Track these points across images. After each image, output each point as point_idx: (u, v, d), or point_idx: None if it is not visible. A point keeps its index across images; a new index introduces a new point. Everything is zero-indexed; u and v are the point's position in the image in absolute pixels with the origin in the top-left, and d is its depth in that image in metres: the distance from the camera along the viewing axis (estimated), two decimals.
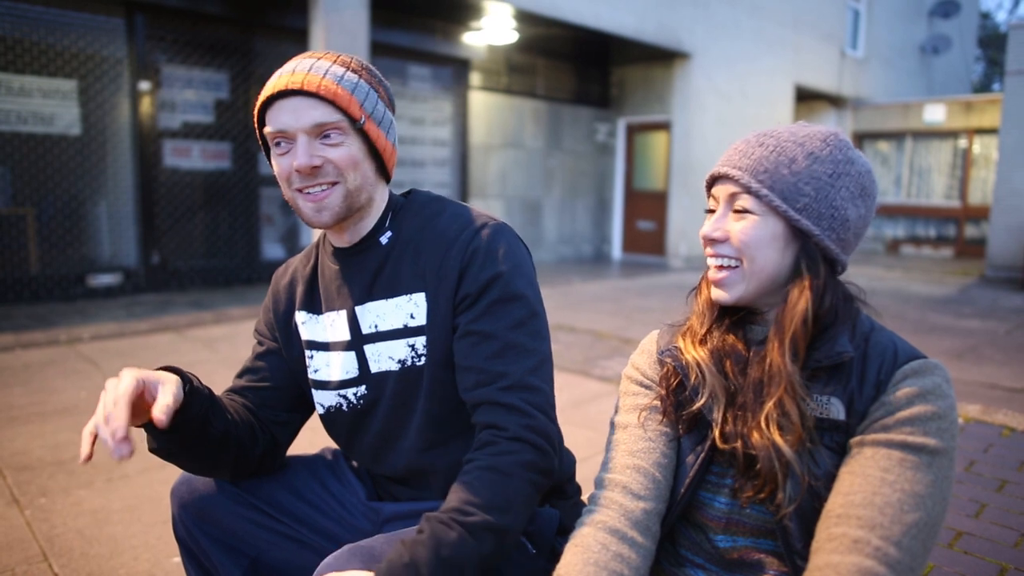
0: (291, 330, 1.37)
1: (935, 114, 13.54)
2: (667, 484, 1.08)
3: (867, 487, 0.90)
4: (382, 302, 1.25)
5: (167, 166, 6.65)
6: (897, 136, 14.23)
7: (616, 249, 11.79)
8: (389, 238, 1.27)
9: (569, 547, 1.02)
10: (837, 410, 0.97)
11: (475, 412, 1.14)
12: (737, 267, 1.04)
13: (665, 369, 1.12)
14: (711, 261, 1.08)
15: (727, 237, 1.04)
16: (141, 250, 6.59)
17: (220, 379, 4.01)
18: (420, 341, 1.22)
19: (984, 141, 13.15)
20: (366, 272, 1.27)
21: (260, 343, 1.41)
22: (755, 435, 0.98)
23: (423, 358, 1.21)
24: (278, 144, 1.19)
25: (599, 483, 1.10)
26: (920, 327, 6.24)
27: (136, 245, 6.60)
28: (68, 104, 6.14)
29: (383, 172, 1.28)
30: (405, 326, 1.23)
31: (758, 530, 1.04)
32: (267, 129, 1.19)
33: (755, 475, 1.00)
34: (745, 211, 1.03)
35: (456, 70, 9.05)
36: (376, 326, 1.25)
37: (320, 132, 1.17)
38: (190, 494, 1.30)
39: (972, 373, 4.58)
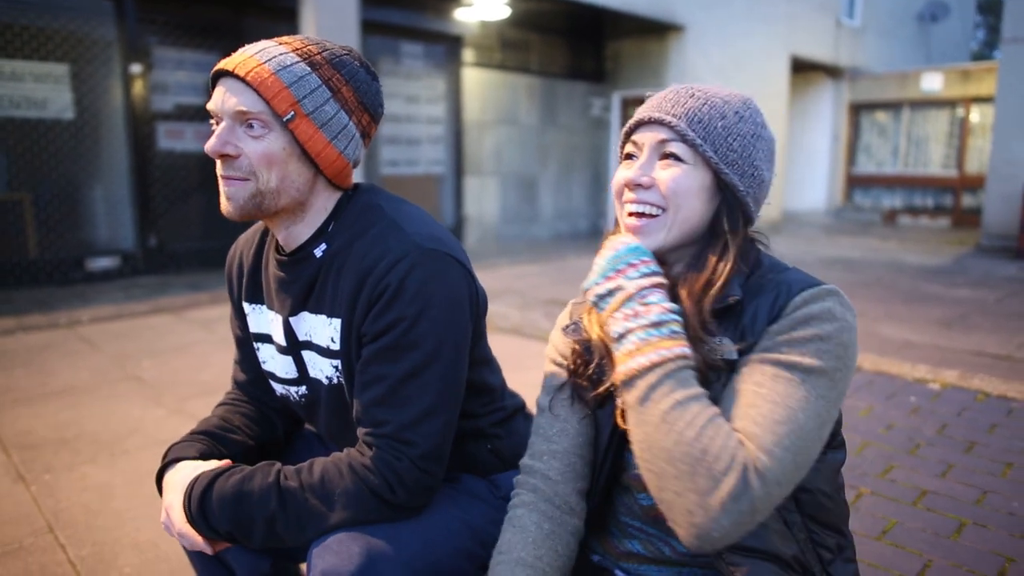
0: (243, 317, 1.40)
1: (932, 83, 13.47)
2: (587, 460, 1.11)
3: (742, 401, 0.91)
4: (313, 316, 1.23)
5: (161, 148, 6.68)
6: (894, 106, 14.16)
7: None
8: (323, 251, 1.20)
9: (506, 527, 1.08)
10: (730, 349, 0.96)
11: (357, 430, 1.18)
12: (659, 215, 1.02)
13: (572, 349, 1.12)
14: (631, 207, 1.04)
15: (653, 183, 1.02)
16: (138, 233, 6.64)
17: (217, 360, 4.11)
18: (339, 364, 1.21)
19: (982, 110, 13.08)
20: (300, 284, 1.22)
21: (237, 329, 1.44)
22: None
23: (342, 380, 1.22)
24: (214, 123, 1.16)
25: (522, 468, 1.13)
26: (911, 296, 6.30)
27: (133, 228, 6.65)
28: (61, 88, 6.16)
29: (326, 177, 1.19)
30: (328, 347, 1.21)
31: None
32: (208, 105, 1.17)
33: None
34: (675, 158, 1.01)
35: (449, 47, 9.02)
36: (310, 336, 1.24)
37: (243, 119, 1.11)
38: None
39: (960, 341, 4.66)
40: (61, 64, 6.14)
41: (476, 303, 1.23)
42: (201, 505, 1.14)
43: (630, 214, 1.04)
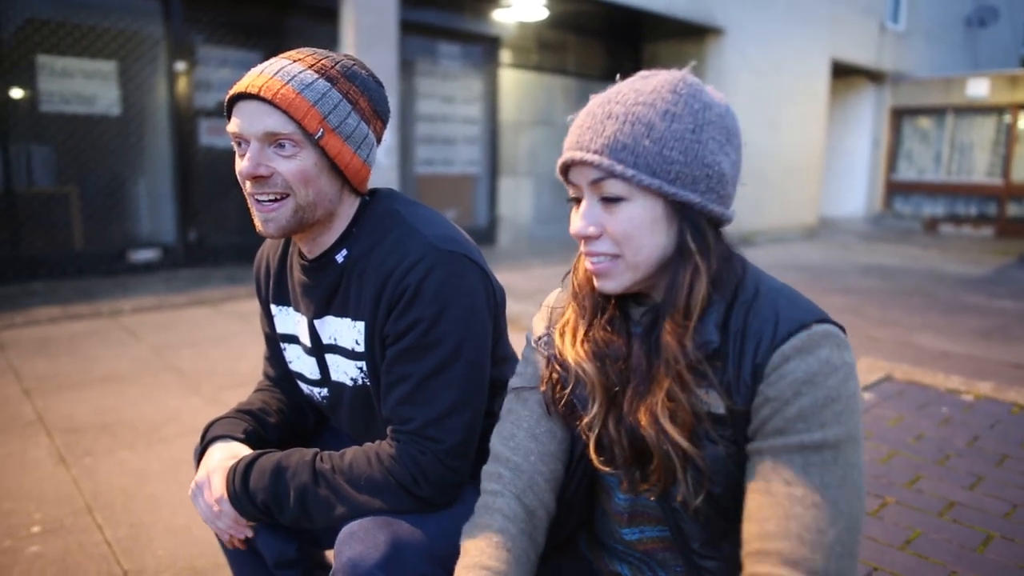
0: (271, 317, 1.45)
1: (978, 89, 13.16)
2: (559, 457, 1.06)
3: (778, 510, 0.83)
4: (337, 319, 1.27)
5: (203, 145, 6.83)
6: (938, 112, 13.86)
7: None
8: (344, 257, 1.24)
9: (470, 528, 1.02)
10: (716, 403, 0.90)
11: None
12: (617, 260, 0.93)
13: (548, 367, 1.05)
14: (589, 259, 0.95)
15: (602, 231, 0.92)
16: (179, 227, 6.81)
17: (253, 352, 4.20)
18: (364, 365, 1.25)
19: None
20: (324, 289, 1.26)
21: (267, 327, 1.48)
22: (644, 423, 0.91)
23: (367, 380, 1.26)
24: (238, 144, 1.17)
25: (493, 457, 1.08)
26: (950, 306, 6.18)
27: (174, 222, 6.82)
28: (108, 85, 6.34)
29: (352, 186, 1.23)
30: (352, 349, 1.25)
31: (660, 516, 1.01)
32: (228, 127, 1.18)
33: (648, 473, 0.95)
34: (615, 198, 0.90)
35: (486, 48, 9.07)
36: (335, 339, 1.28)
37: (273, 141, 1.14)
38: None
39: (998, 352, 4.56)
40: (109, 61, 6.31)
41: (494, 301, 1.26)
42: (245, 473, 1.20)
43: (590, 260, 0.95)
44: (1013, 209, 12.89)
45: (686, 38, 10.49)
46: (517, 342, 1.46)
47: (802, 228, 12.19)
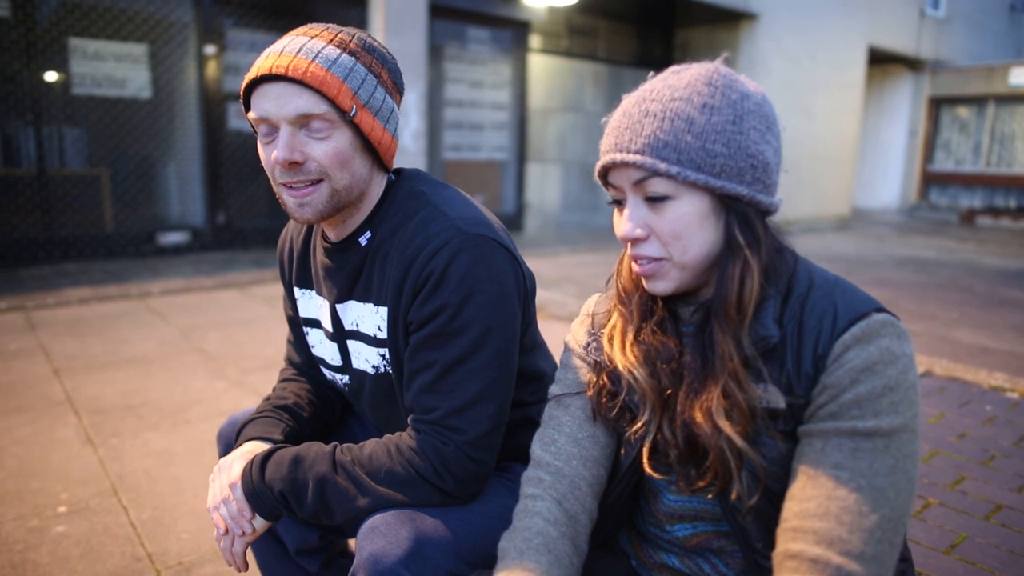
0: (294, 300, 1.41)
1: (1022, 77, 12.78)
2: (603, 463, 1.03)
3: (821, 491, 0.81)
4: (360, 304, 1.22)
5: (231, 128, 6.84)
6: (978, 101, 13.50)
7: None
8: (368, 239, 1.20)
9: (511, 533, 0.97)
10: (776, 398, 0.87)
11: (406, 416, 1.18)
12: (666, 260, 0.91)
13: (596, 373, 1.02)
14: (636, 262, 0.93)
15: (650, 233, 0.90)
16: (207, 210, 6.84)
17: (279, 335, 4.20)
18: (387, 352, 1.21)
19: None
20: (347, 272, 1.23)
21: (290, 310, 1.45)
22: (699, 420, 0.88)
23: (390, 368, 1.21)
24: (264, 131, 1.11)
25: (534, 463, 1.03)
26: (989, 300, 6.00)
27: (203, 205, 6.85)
28: (139, 68, 6.37)
29: (381, 163, 1.19)
30: (375, 336, 1.21)
31: (716, 514, 0.98)
32: (250, 114, 1.11)
33: (704, 471, 0.92)
34: (661, 197, 0.88)
35: (515, 32, 8.98)
36: (357, 325, 1.24)
37: (305, 122, 1.08)
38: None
39: None
40: (140, 45, 6.33)
41: (524, 287, 1.20)
42: (262, 465, 1.16)
43: (637, 262, 0.93)
44: None
45: (718, 23, 10.30)
46: (543, 331, 1.40)
47: (835, 219, 11.96)
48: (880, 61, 13.18)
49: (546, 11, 9.07)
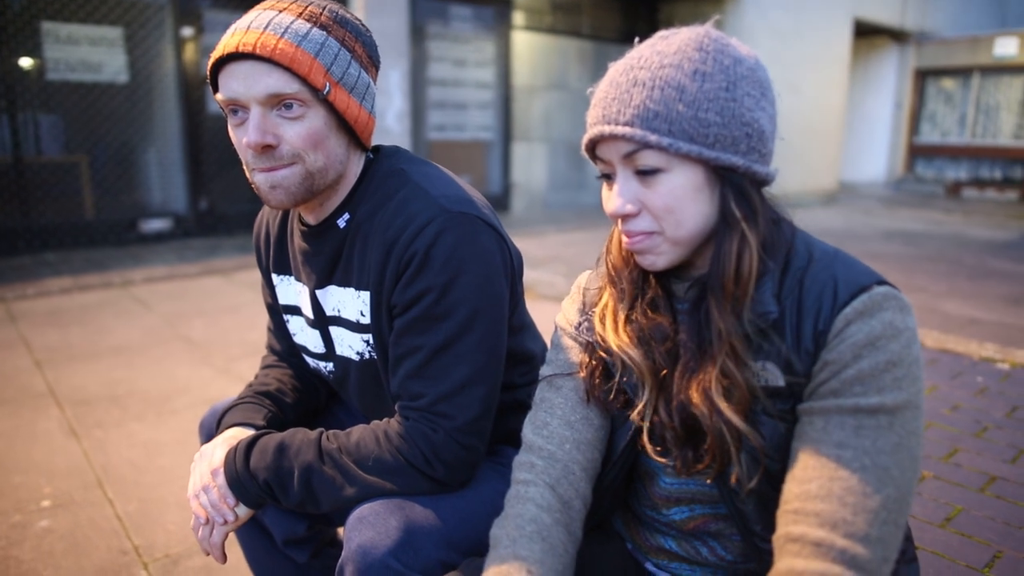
0: (272, 287, 1.36)
1: (1007, 47, 12.77)
2: (596, 446, 0.99)
3: (823, 471, 0.78)
4: (340, 289, 1.18)
5: (212, 112, 6.72)
6: (963, 72, 13.48)
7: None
8: (346, 221, 1.15)
9: (503, 520, 0.94)
10: (774, 376, 0.84)
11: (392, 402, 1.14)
12: (659, 235, 0.87)
13: (589, 354, 0.99)
14: (628, 238, 0.89)
15: (641, 208, 0.86)
16: (189, 196, 6.73)
17: (265, 320, 4.11)
18: (370, 338, 1.16)
19: None
20: (325, 256, 1.18)
21: (268, 297, 1.40)
22: (696, 401, 0.85)
23: (374, 354, 1.17)
24: (234, 112, 1.05)
25: (526, 447, 1.00)
26: (977, 272, 6.02)
27: (184, 191, 6.74)
28: (115, 52, 6.22)
29: (358, 142, 1.14)
30: (357, 321, 1.16)
31: (714, 497, 0.95)
32: (218, 96, 1.05)
33: (701, 453, 0.89)
34: (652, 170, 0.83)
35: (498, 10, 8.85)
36: (338, 311, 1.19)
37: (277, 102, 1.02)
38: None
39: None
40: (115, 28, 6.19)
41: (511, 266, 1.15)
42: (246, 453, 1.12)
43: (629, 239, 0.89)
44: None
45: None
46: (532, 311, 1.37)
47: (822, 193, 11.96)
48: (865, 33, 13.12)
49: None
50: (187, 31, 6.46)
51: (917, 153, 14.18)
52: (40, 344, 3.70)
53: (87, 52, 6.07)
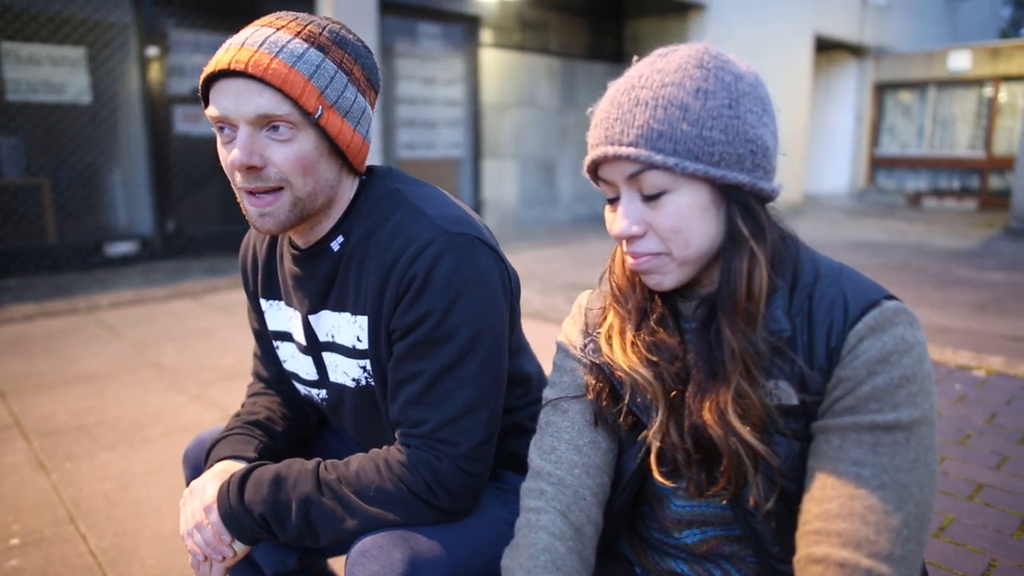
0: (261, 312, 1.32)
1: (960, 62, 13.16)
2: (604, 469, 0.97)
3: (843, 490, 0.77)
4: (335, 314, 1.14)
5: (178, 132, 6.61)
6: (920, 85, 13.86)
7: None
8: (340, 244, 1.12)
9: (513, 549, 0.92)
10: (787, 394, 0.83)
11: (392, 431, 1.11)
12: (665, 255, 0.85)
13: (595, 376, 0.96)
14: (633, 260, 0.87)
15: (647, 230, 0.84)
16: (156, 218, 6.60)
17: (238, 344, 4.06)
18: (367, 364, 1.13)
19: (1011, 89, 12.79)
20: (318, 280, 1.14)
21: (256, 323, 1.36)
22: (710, 422, 0.83)
23: (371, 380, 1.14)
24: (222, 129, 1.02)
25: (533, 473, 0.97)
26: (942, 280, 6.14)
27: (151, 213, 6.61)
28: (77, 72, 6.10)
29: (350, 166, 1.10)
30: (353, 347, 1.13)
31: (727, 518, 0.93)
32: (208, 111, 1.02)
33: (716, 475, 0.87)
34: (658, 192, 0.82)
35: (467, 27, 8.88)
36: (333, 336, 1.16)
37: (266, 123, 0.99)
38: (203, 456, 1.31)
39: (995, 326, 4.51)
40: (78, 48, 6.07)
41: (510, 287, 1.13)
42: (240, 486, 1.07)
43: (635, 260, 0.87)
44: (995, 182, 12.94)
45: (668, 14, 10.36)
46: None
47: (787, 205, 12.15)
48: (826, 48, 13.44)
49: (497, 5, 9.01)
50: (152, 51, 6.36)
51: (878, 165, 14.51)
52: (4, 373, 3.56)
53: (49, 72, 5.94)
